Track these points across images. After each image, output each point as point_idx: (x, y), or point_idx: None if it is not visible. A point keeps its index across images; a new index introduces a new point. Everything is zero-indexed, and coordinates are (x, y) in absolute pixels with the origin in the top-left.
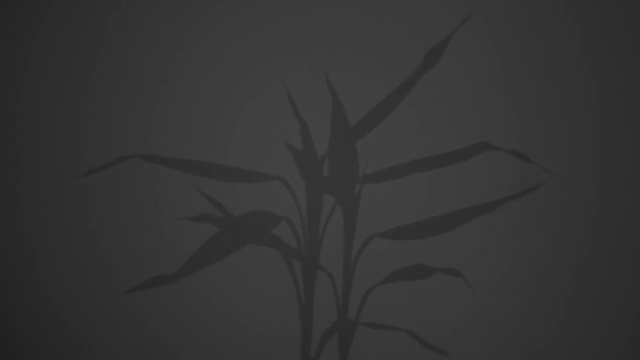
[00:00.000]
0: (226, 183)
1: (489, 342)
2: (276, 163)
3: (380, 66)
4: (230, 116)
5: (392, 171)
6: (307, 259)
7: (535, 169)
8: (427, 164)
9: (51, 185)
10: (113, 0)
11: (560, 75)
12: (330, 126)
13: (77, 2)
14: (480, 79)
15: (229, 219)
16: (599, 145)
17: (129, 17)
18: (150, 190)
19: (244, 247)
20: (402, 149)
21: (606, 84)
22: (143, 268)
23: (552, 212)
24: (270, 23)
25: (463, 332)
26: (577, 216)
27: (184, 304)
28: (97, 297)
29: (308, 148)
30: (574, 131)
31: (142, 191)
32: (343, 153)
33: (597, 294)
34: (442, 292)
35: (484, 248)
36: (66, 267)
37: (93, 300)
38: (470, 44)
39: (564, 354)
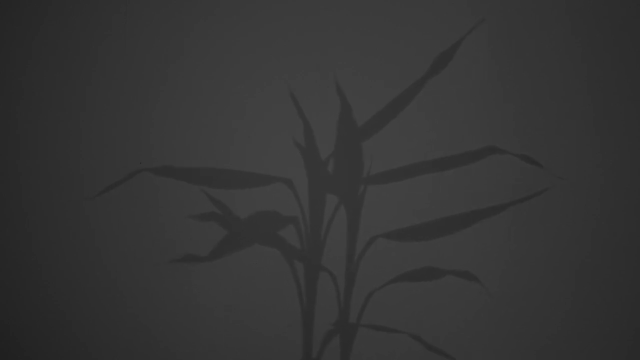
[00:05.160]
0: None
1: (494, 345)
2: (281, 163)
3: (388, 68)
4: (234, 116)
5: (396, 173)
6: (308, 259)
7: (540, 173)
8: (433, 167)
9: (52, 185)
10: (114, 0)
11: (567, 79)
12: (336, 126)
13: (78, 2)
14: (489, 81)
15: (235, 219)
16: (602, 148)
17: (129, 17)
18: (153, 191)
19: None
20: (410, 149)
21: (610, 86)
22: (144, 268)
23: (555, 216)
24: (278, 23)
25: (467, 334)
26: (580, 219)
27: (185, 305)
28: (97, 298)
29: (311, 147)
30: (579, 134)
31: (146, 190)
32: (348, 153)
33: (603, 297)
34: (445, 294)
35: (488, 250)
36: (66, 267)
37: (93, 301)
38: (480, 46)
39: (569, 358)
